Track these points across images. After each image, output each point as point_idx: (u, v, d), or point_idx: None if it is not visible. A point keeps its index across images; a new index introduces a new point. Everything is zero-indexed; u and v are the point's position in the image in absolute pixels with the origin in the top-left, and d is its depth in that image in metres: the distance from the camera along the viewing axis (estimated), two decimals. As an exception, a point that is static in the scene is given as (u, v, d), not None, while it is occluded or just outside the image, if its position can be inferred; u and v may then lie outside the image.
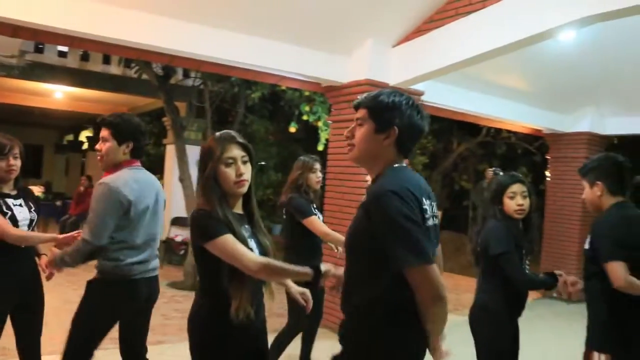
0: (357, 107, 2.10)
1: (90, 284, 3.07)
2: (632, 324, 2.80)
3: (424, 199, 1.95)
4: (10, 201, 3.32)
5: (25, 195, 3.49)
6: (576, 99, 8.53)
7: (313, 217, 4.23)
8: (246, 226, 2.42)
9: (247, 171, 2.37)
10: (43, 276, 3.43)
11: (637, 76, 7.36)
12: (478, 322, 3.28)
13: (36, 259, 3.51)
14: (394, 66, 5.90)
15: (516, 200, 3.17)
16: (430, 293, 1.83)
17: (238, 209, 2.44)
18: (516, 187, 3.19)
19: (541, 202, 10.56)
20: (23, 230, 3.31)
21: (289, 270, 2.35)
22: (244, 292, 2.28)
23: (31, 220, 3.41)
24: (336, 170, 6.23)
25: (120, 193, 2.94)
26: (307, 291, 2.77)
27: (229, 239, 2.22)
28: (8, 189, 3.36)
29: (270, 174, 11.53)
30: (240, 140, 2.39)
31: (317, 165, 4.42)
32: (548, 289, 3.19)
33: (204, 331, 2.36)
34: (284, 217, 4.43)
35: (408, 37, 5.88)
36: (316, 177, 4.40)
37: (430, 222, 1.98)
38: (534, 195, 3.33)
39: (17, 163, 3.33)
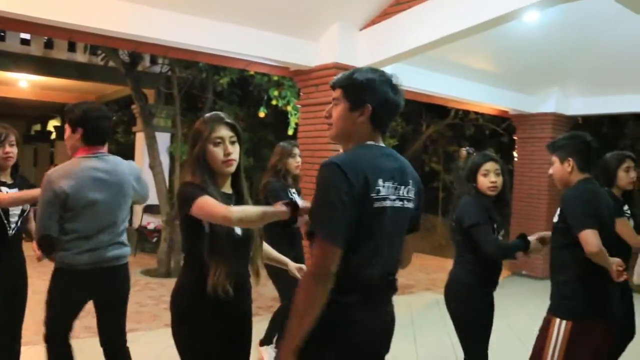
0: (333, 87, 2.14)
1: (52, 273, 3.10)
2: (599, 294, 2.90)
3: (380, 180, 1.95)
4: (4, 189, 3.36)
5: (20, 184, 3.52)
6: (541, 80, 8.67)
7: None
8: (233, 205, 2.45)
9: (235, 151, 2.44)
10: (34, 259, 3.43)
11: (600, 57, 7.52)
12: (451, 295, 3.40)
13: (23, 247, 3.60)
14: (361, 49, 5.93)
15: (489, 177, 3.31)
16: (314, 268, 1.87)
17: (227, 189, 2.50)
18: (489, 165, 3.33)
19: (510, 180, 10.71)
20: (13, 218, 3.38)
21: (267, 212, 2.29)
22: (222, 267, 2.30)
23: (22, 210, 3.48)
24: (306, 154, 6.23)
25: (55, 184, 2.92)
26: (304, 266, 2.81)
27: (207, 197, 2.25)
28: (5, 177, 3.43)
29: (242, 158, 11.51)
30: (229, 120, 2.45)
31: (296, 151, 4.57)
32: (525, 253, 3.25)
33: (185, 306, 2.41)
34: (263, 201, 4.49)
35: (374, 21, 5.91)
36: (295, 161, 4.54)
37: (385, 204, 1.97)
38: (507, 175, 3.47)
39: (13, 150, 3.39)
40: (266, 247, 2.72)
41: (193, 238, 2.38)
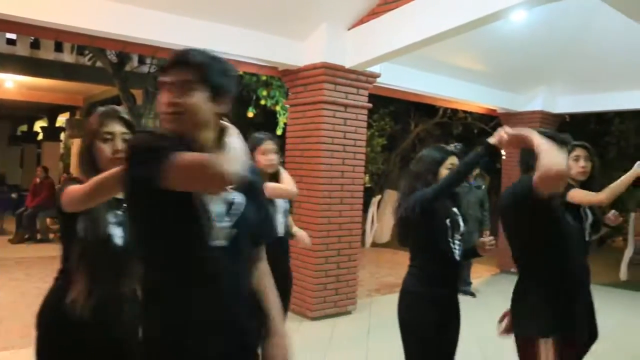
0: (181, 64, 1.70)
1: None
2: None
3: None
4: None
5: None
6: (528, 79, 8.72)
7: None
8: (118, 212, 2.16)
9: None
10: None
11: (586, 56, 7.57)
12: (399, 305, 3.10)
13: None
14: (350, 49, 5.94)
15: None
16: None
17: (119, 194, 2.11)
18: (453, 159, 3.09)
19: (498, 180, 10.81)
20: None
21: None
22: (90, 282, 2.03)
23: None
24: (294, 154, 6.25)
25: None
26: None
27: (74, 185, 2.05)
28: None
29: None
30: (124, 116, 2.23)
31: (268, 145, 3.76)
32: (485, 160, 2.81)
33: (47, 319, 2.14)
34: None
35: (363, 20, 5.92)
36: (266, 159, 3.71)
37: None
38: None
39: None
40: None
41: (67, 243, 2.12)
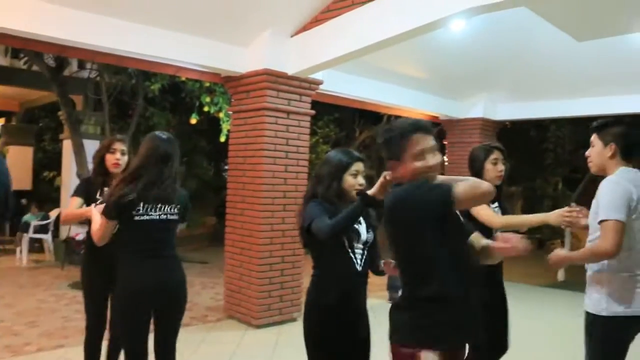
0: None
1: None
2: None
3: None
4: None
5: None
6: (470, 87, 8.92)
7: (73, 197, 3.65)
8: None
9: None
10: None
11: (523, 66, 7.79)
12: (303, 313, 2.97)
13: None
14: (292, 56, 5.93)
15: (358, 179, 2.93)
16: None
17: None
18: (359, 166, 2.96)
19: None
20: None
21: None
22: None
23: None
24: (237, 161, 6.20)
25: None
26: None
27: None
28: None
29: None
30: None
31: (116, 145, 3.72)
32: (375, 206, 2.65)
33: None
34: None
35: (305, 27, 5.93)
36: (114, 158, 3.69)
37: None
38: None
39: None
40: None
41: None
